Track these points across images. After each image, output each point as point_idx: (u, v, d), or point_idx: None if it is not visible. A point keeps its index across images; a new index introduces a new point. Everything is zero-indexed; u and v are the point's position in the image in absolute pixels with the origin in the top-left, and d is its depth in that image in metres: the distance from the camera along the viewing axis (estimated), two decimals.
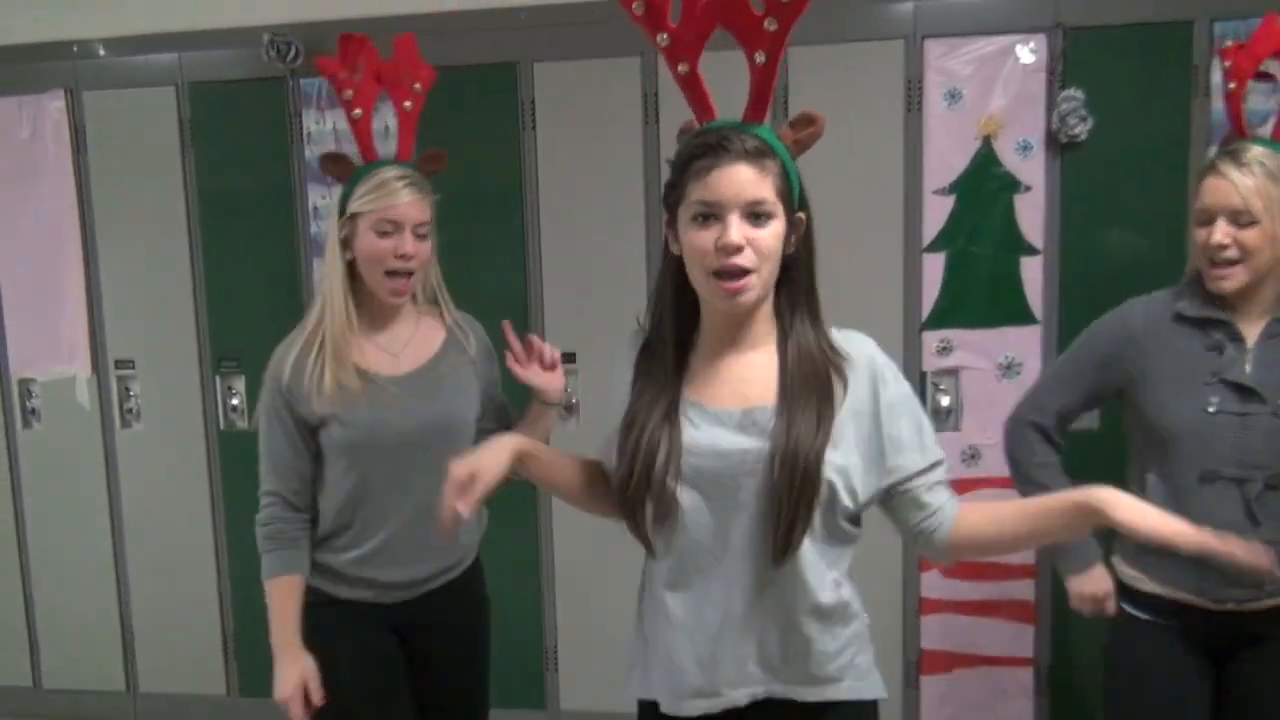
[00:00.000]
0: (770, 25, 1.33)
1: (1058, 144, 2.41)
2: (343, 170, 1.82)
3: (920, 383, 2.53)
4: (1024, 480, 1.85)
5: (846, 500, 1.32)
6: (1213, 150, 1.82)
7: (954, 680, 2.59)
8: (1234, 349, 1.68)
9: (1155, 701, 1.75)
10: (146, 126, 2.79)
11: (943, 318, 2.51)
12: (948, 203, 2.48)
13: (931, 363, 2.53)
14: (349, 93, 1.85)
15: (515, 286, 2.68)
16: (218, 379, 2.82)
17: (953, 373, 2.52)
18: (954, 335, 2.51)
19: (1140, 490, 1.68)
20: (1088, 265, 2.40)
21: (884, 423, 1.34)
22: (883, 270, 2.52)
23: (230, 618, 2.91)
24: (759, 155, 1.28)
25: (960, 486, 2.51)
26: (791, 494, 1.28)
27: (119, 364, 2.88)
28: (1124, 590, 1.80)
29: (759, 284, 1.28)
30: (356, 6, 2.62)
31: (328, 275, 1.79)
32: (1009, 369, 2.49)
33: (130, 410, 2.90)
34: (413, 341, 1.84)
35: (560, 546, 2.73)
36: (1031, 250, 2.46)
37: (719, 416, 1.34)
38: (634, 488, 1.33)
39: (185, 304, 2.82)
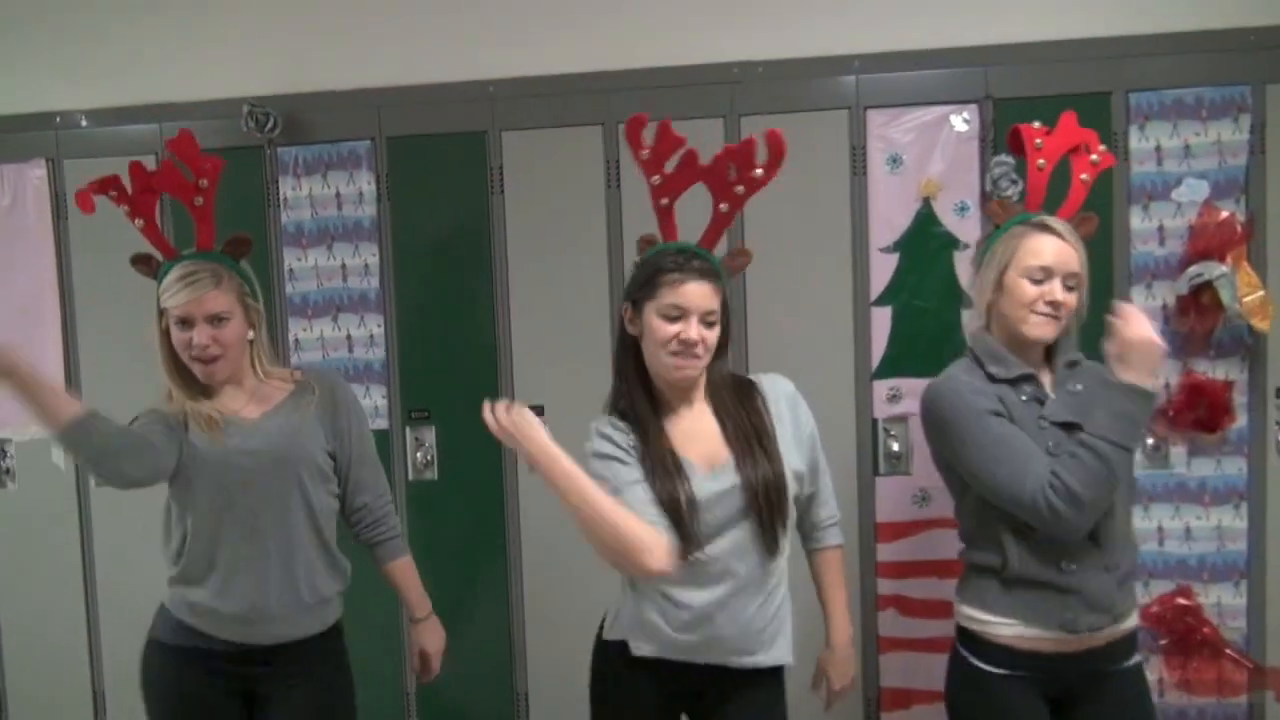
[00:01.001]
0: (739, 190, 1.87)
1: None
2: (150, 268, 2.04)
3: (872, 430, 2.66)
4: (1097, 468, 1.72)
5: (802, 494, 1.87)
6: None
7: (912, 715, 2.68)
8: (1044, 395, 1.85)
9: None
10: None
11: (891, 367, 2.64)
12: (892, 260, 2.63)
13: (882, 410, 2.65)
14: (126, 208, 2.08)
15: (486, 341, 2.77)
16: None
17: (902, 419, 2.65)
18: (902, 384, 2.64)
19: (993, 538, 1.81)
20: None
21: (808, 446, 1.87)
22: (834, 323, 2.65)
23: None
24: (714, 276, 1.80)
25: (912, 528, 2.66)
26: (771, 513, 1.77)
27: None
28: (969, 639, 1.87)
29: (702, 365, 1.80)
30: (335, 79, 2.76)
31: (161, 359, 2.01)
32: None
33: None
34: (251, 402, 2.02)
35: (530, 584, 2.80)
36: (970, 302, 2.61)
37: (699, 468, 1.79)
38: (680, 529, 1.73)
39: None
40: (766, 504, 1.76)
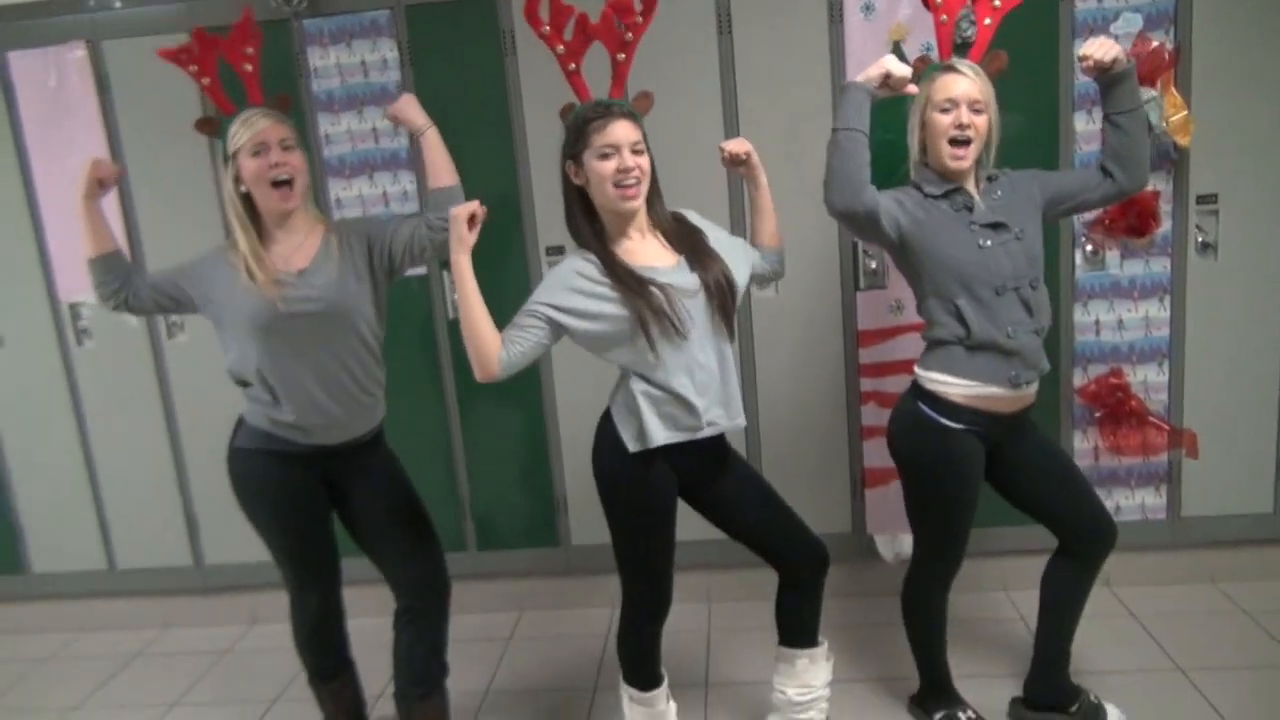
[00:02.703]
0: (627, 36, 2.18)
1: (953, 45, 2.89)
2: (213, 128, 2.30)
3: (853, 251, 3.05)
4: (833, 150, 2.22)
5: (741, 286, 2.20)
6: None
7: (891, 489, 3.16)
8: (973, 203, 2.24)
9: (969, 491, 2.30)
10: (164, 69, 3.09)
11: None
12: None
13: None
14: (194, 68, 2.38)
15: (509, 192, 3.09)
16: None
17: None
18: None
19: (955, 313, 2.22)
20: None
21: (726, 246, 2.21)
22: (817, 156, 2.98)
23: None
24: (630, 115, 2.09)
25: (888, 333, 3.08)
26: (725, 301, 2.11)
27: None
28: (929, 398, 2.27)
29: (643, 191, 2.08)
30: None
31: (231, 214, 2.24)
32: None
33: (174, 323, 3.29)
34: (302, 246, 2.26)
35: (562, 408, 3.22)
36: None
37: (667, 271, 2.10)
38: (656, 319, 2.04)
39: (214, 226, 3.16)
40: (719, 294, 2.09)
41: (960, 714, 2.47)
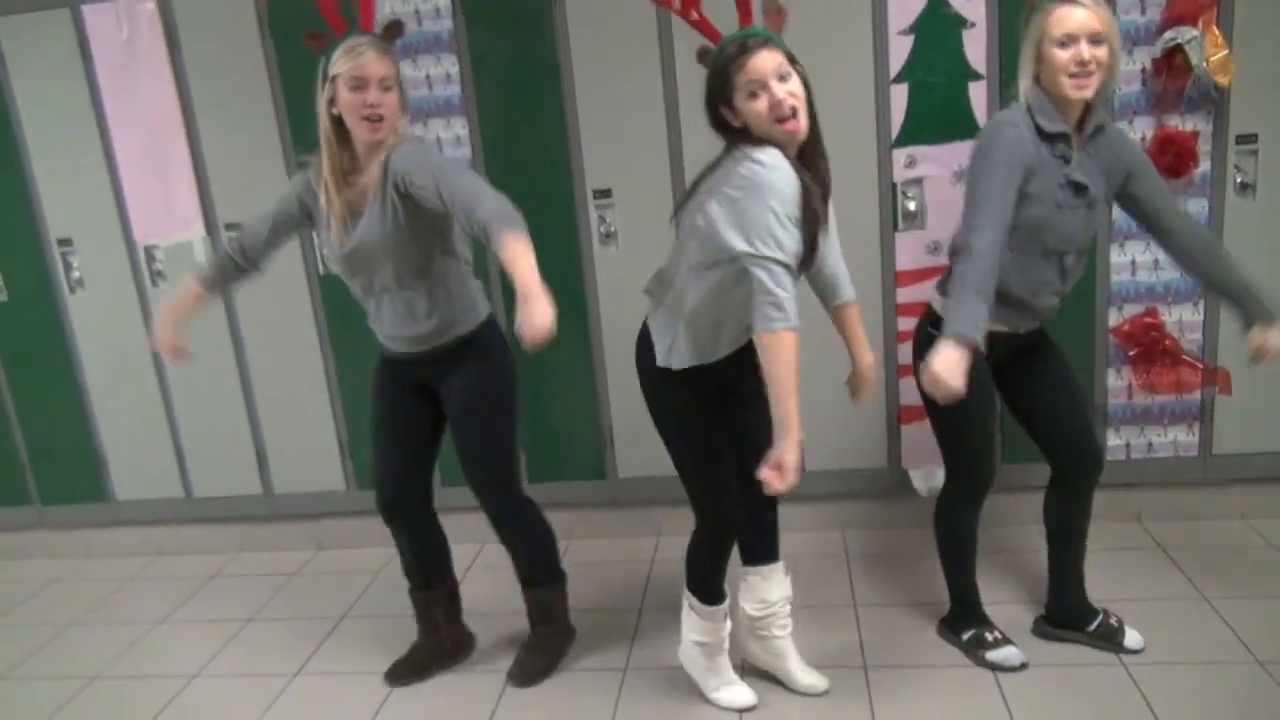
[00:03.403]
0: None
1: None
2: (321, 44, 2.32)
3: (892, 192, 3.11)
4: (962, 273, 2.12)
5: None
6: None
7: (925, 426, 3.25)
8: (1070, 155, 2.21)
9: (982, 413, 2.39)
10: (231, 22, 3.24)
11: (908, 137, 3.05)
12: (908, 41, 2.99)
13: (900, 175, 3.09)
14: None
15: (557, 136, 3.19)
16: (314, 233, 3.36)
17: (917, 182, 3.09)
18: (917, 151, 3.06)
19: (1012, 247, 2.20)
20: None
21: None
22: (858, 100, 3.05)
23: (343, 424, 3.56)
24: (771, 43, 1.97)
25: (926, 274, 3.15)
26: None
27: (228, 227, 3.41)
28: (935, 319, 2.29)
29: (804, 115, 1.98)
30: None
31: (321, 131, 2.30)
32: (961, 175, 3.05)
33: None
34: (365, 192, 2.32)
35: (609, 345, 3.35)
36: (977, 76, 2.99)
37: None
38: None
39: (279, 172, 3.32)
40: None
41: (987, 634, 2.59)
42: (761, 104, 1.95)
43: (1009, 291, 2.26)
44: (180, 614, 3.36)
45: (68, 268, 3.55)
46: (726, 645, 2.50)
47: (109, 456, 3.75)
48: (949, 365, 2.03)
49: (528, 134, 3.23)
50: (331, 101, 2.29)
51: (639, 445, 3.38)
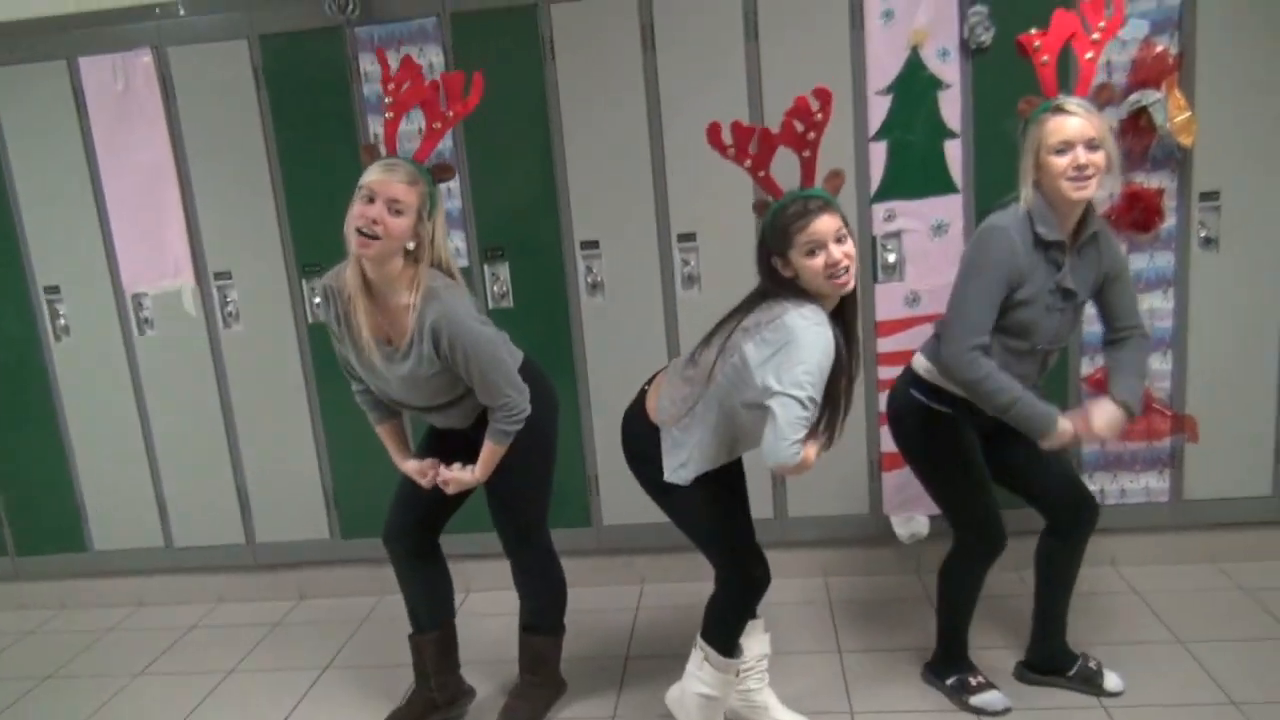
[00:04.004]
0: (810, 136, 2.21)
1: (969, 50, 3.04)
2: (371, 157, 2.34)
3: (871, 245, 3.21)
4: (988, 394, 2.26)
5: None
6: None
7: (905, 473, 3.29)
8: (1062, 262, 2.31)
9: (977, 473, 2.46)
10: (225, 73, 3.30)
11: (886, 192, 3.16)
12: (886, 100, 3.11)
13: (880, 228, 3.19)
14: (389, 100, 2.39)
15: (547, 189, 3.26)
16: (304, 282, 3.43)
17: (896, 235, 3.19)
18: (896, 205, 3.17)
19: (981, 348, 2.28)
20: (995, 145, 3.01)
21: None
22: (839, 156, 3.09)
23: (329, 472, 3.56)
24: (829, 205, 2.13)
25: (905, 324, 3.24)
26: None
27: (218, 275, 3.45)
28: (922, 386, 2.42)
29: (855, 272, 2.12)
30: None
31: (350, 245, 2.27)
32: (938, 229, 3.17)
33: (230, 314, 3.49)
34: (402, 316, 2.31)
35: (595, 393, 3.39)
36: (952, 135, 3.11)
37: None
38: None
39: (271, 221, 3.38)
40: None
41: (971, 679, 2.63)
42: (819, 262, 2.09)
43: None
44: (160, 666, 3.32)
45: (54, 315, 3.55)
46: (728, 704, 2.52)
47: (88, 505, 3.72)
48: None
49: (518, 186, 3.30)
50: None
51: (623, 493, 3.40)
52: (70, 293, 3.54)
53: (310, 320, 3.45)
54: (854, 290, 2.16)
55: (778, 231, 2.13)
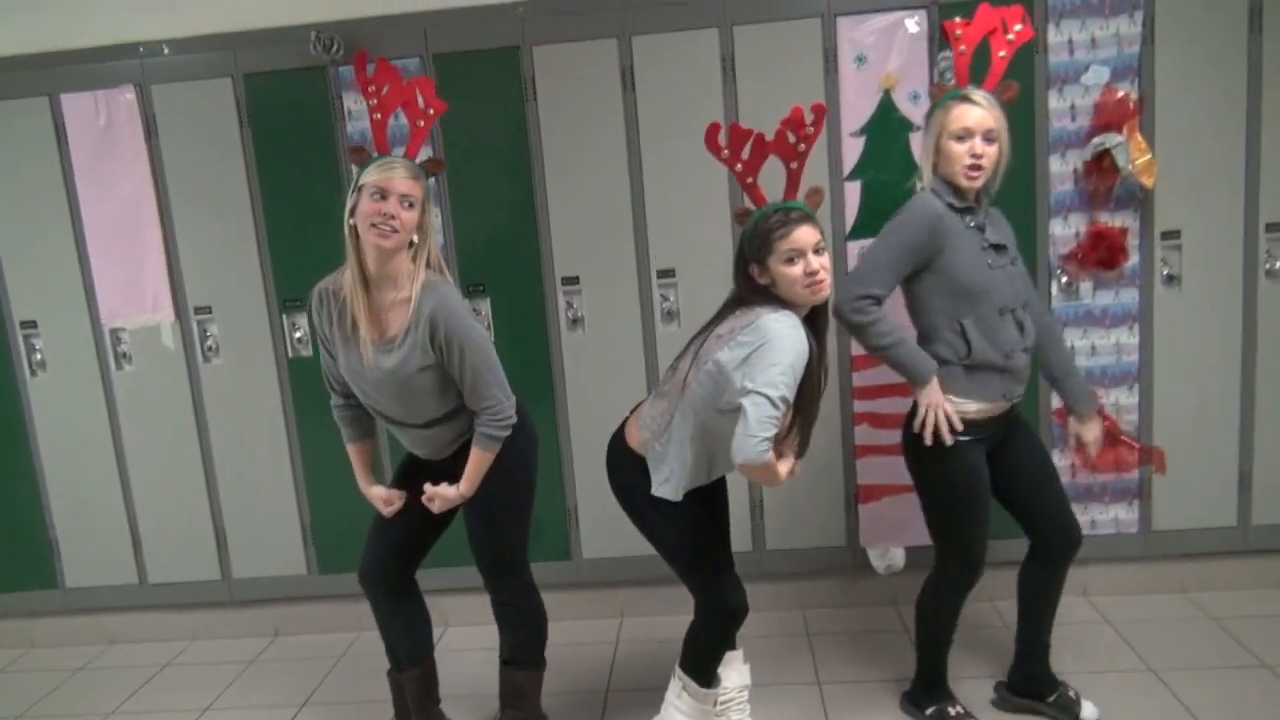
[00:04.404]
0: (801, 148, 2.30)
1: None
2: (360, 158, 2.38)
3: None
4: (874, 336, 2.40)
5: None
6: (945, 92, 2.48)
7: (882, 505, 3.37)
8: (983, 224, 2.44)
9: (982, 503, 2.50)
10: (209, 112, 3.33)
11: (861, 230, 3.22)
12: (860, 142, 3.20)
13: (855, 265, 3.26)
14: (374, 101, 2.46)
15: (526, 226, 3.31)
16: (284, 316, 3.44)
17: None
18: (870, 243, 3.24)
19: (959, 332, 2.40)
20: None
21: None
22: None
23: (307, 510, 3.55)
24: (810, 218, 2.21)
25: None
26: None
27: (198, 310, 3.45)
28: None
29: (830, 281, 2.20)
30: (390, 5, 3.22)
31: (348, 250, 2.34)
32: None
33: (210, 348, 3.48)
34: (400, 306, 2.34)
35: (575, 426, 3.42)
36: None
37: None
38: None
39: (252, 256, 3.40)
40: None
41: (950, 708, 2.67)
42: (798, 270, 2.17)
43: (992, 362, 2.42)
44: (131, 705, 3.27)
45: (30, 350, 3.53)
46: None
47: (61, 541, 3.67)
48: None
49: (500, 223, 3.34)
50: (352, 211, 2.33)
51: (602, 526, 3.45)
52: (48, 328, 3.53)
53: (290, 355, 3.46)
54: (826, 301, 2.24)
55: (759, 238, 2.20)
